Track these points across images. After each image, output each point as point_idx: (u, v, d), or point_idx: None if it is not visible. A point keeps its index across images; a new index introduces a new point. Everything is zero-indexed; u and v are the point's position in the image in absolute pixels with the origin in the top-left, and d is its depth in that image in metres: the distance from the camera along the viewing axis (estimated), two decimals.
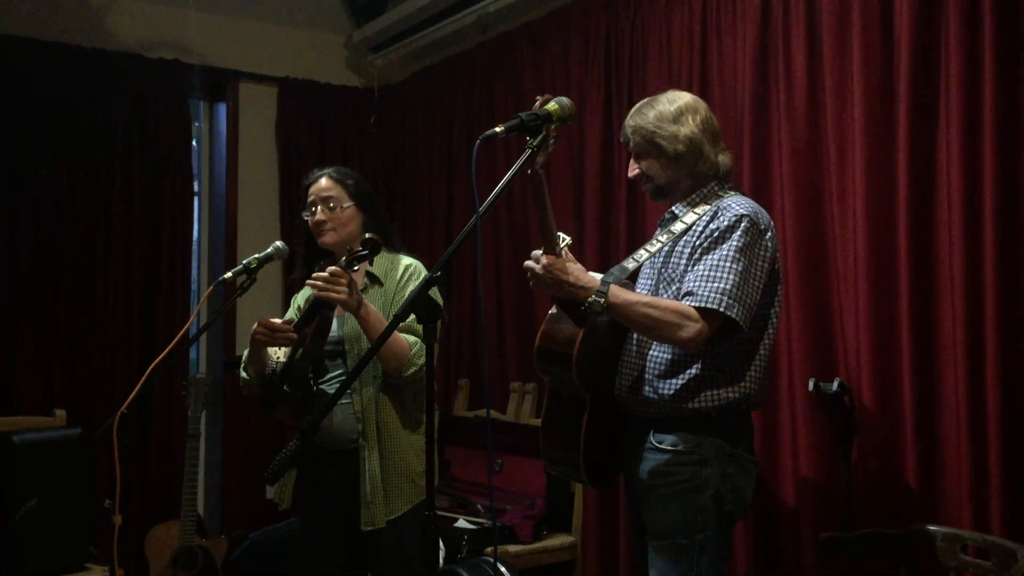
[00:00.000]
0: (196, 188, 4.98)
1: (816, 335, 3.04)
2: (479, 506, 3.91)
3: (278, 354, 2.70)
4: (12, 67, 4.30)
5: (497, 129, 2.02)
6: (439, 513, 3.72)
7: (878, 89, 2.87)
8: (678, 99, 2.34)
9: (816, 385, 2.92)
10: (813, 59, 3.07)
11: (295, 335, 2.57)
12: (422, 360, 2.49)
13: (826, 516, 2.96)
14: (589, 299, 2.16)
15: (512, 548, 3.62)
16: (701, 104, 2.35)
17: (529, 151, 2.08)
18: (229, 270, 2.72)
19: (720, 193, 2.32)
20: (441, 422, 3.24)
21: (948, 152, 2.69)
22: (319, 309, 2.51)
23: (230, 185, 5.02)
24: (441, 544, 3.47)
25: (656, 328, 2.17)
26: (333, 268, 2.46)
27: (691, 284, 2.18)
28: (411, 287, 2.66)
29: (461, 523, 3.76)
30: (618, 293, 2.17)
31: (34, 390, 4.31)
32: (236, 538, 4.01)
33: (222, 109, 5.09)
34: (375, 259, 2.69)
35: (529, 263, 2.26)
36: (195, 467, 3.69)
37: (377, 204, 2.79)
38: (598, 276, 2.25)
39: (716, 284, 2.14)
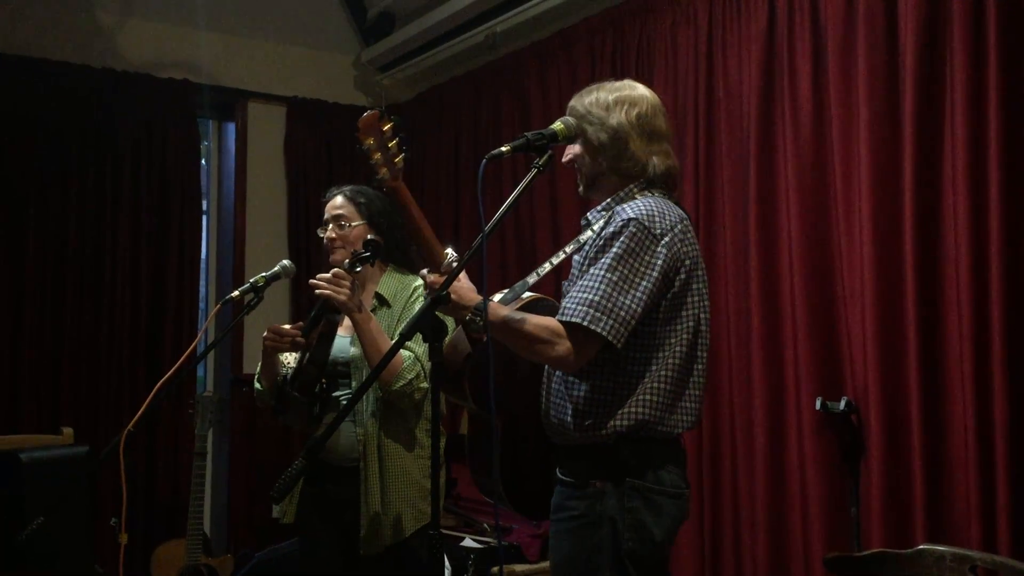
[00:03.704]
0: (204, 207, 5.01)
1: (823, 354, 3.03)
2: (485, 525, 3.90)
3: (288, 360, 2.71)
4: (22, 86, 4.33)
5: (503, 148, 2.02)
6: (444, 532, 3.70)
7: (883, 106, 2.87)
8: (622, 89, 2.13)
9: (823, 404, 2.92)
10: (818, 76, 3.08)
11: (302, 339, 2.58)
12: (411, 375, 2.49)
13: (834, 535, 2.94)
14: (467, 317, 2.04)
15: (519, 567, 3.60)
16: (648, 100, 2.12)
17: (535, 170, 2.06)
18: (236, 288, 2.73)
19: (636, 195, 2.10)
20: (447, 441, 3.22)
21: (954, 168, 2.69)
22: (324, 313, 2.53)
23: (238, 204, 5.05)
24: (447, 563, 3.46)
25: (530, 347, 2.01)
26: (336, 270, 2.49)
27: (565, 298, 2.04)
28: (418, 307, 2.65)
29: (467, 542, 3.75)
30: (495, 310, 2.01)
31: (41, 408, 4.32)
32: (242, 557, 4.00)
33: (231, 128, 5.13)
34: (384, 279, 2.69)
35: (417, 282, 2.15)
36: (201, 485, 3.69)
37: (395, 224, 2.73)
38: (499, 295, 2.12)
39: (583, 296, 1.96)
